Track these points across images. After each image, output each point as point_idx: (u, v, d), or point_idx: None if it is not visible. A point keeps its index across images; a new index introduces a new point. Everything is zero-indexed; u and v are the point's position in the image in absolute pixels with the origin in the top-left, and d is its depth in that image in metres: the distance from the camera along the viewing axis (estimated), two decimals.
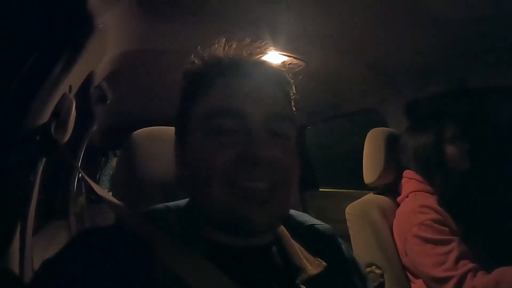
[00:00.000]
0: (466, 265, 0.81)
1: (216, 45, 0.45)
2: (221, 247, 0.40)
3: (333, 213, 1.29)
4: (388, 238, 1.02)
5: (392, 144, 1.12)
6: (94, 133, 1.45)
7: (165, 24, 0.86)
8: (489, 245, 0.92)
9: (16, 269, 0.53)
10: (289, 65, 1.14)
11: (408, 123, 1.14)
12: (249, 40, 0.45)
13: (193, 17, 0.84)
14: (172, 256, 0.36)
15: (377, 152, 1.12)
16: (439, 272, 0.83)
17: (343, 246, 0.52)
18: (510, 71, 0.97)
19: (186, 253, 0.37)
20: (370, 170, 1.13)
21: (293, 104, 0.47)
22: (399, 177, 1.10)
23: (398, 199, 1.08)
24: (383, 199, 1.12)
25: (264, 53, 0.45)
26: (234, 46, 0.44)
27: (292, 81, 0.47)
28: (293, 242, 0.46)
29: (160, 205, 0.48)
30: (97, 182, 3.24)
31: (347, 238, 1.09)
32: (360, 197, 1.15)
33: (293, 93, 0.47)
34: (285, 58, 1.09)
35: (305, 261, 0.43)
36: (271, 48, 0.48)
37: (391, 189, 1.14)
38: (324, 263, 0.44)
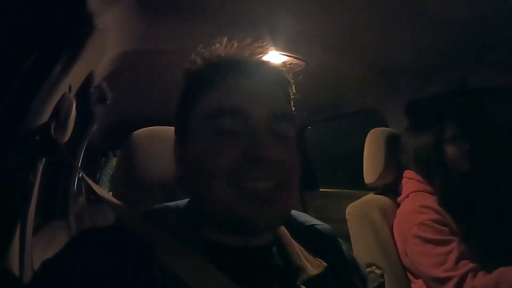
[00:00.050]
0: (466, 265, 0.81)
1: (218, 45, 0.45)
2: (221, 247, 0.40)
3: (333, 213, 1.29)
4: (388, 238, 1.01)
5: (392, 144, 1.12)
6: (94, 133, 1.45)
7: (165, 24, 0.86)
8: (489, 245, 0.92)
9: (16, 269, 0.53)
10: (290, 65, 1.14)
11: (408, 123, 1.14)
12: (250, 40, 0.45)
13: (193, 17, 0.85)
14: (172, 256, 0.36)
15: (377, 152, 1.12)
16: (439, 272, 0.83)
17: (343, 246, 0.52)
18: (510, 71, 0.97)
19: (186, 253, 0.37)
20: (370, 170, 1.13)
21: (292, 104, 0.47)
22: (399, 177, 1.10)
23: (398, 199, 1.08)
24: (383, 199, 1.12)
25: (265, 53, 0.45)
26: (235, 45, 0.44)
27: (292, 81, 0.47)
28: (293, 242, 0.46)
29: (160, 205, 0.48)
30: (97, 182, 3.24)
31: (347, 238, 1.09)
32: (360, 197, 1.15)
33: (293, 93, 0.47)
34: (285, 58, 1.09)
35: (305, 261, 0.43)
36: (271, 48, 0.48)
37: (391, 189, 1.14)
38: (324, 264, 0.44)
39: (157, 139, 0.63)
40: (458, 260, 0.82)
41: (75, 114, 0.64)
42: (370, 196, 1.17)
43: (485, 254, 0.88)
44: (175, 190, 0.56)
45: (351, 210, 1.11)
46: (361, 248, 1.06)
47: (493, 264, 0.81)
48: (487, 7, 0.75)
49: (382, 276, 0.99)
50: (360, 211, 1.08)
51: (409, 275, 0.98)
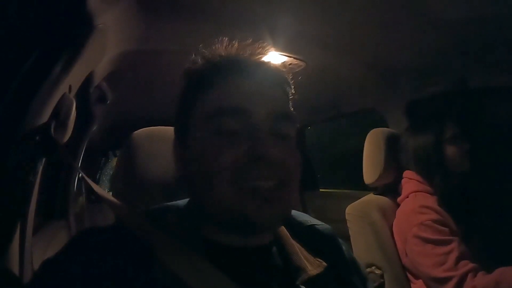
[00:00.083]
0: (466, 265, 0.81)
1: (218, 45, 0.45)
2: (221, 246, 0.40)
3: (333, 214, 1.29)
4: (388, 238, 1.01)
5: (392, 145, 1.12)
6: (94, 133, 1.45)
7: (165, 24, 0.86)
8: (489, 245, 0.92)
9: (16, 269, 0.53)
10: (289, 66, 1.14)
11: (408, 123, 1.14)
12: (250, 40, 0.45)
13: (193, 17, 0.85)
14: (172, 256, 0.36)
15: (377, 153, 1.12)
16: (439, 273, 0.83)
17: (343, 247, 0.52)
18: (510, 71, 0.97)
19: (185, 253, 0.37)
20: (370, 171, 1.13)
21: (291, 104, 0.47)
22: (399, 177, 1.10)
23: (398, 199, 1.07)
24: (383, 200, 1.12)
25: (265, 53, 0.45)
26: (236, 45, 0.44)
27: (292, 81, 0.47)
28: (293, 242, 0.46)
29: (160, 205, 0.48)
30: (97, 182, 3.24)
31: (347, 239, 1.09)
32: (360, 198, 1.15)
33: (292, 93, 0.47)
34: (285, 59, 1.09)
35: (305, 261, 0.43)
36: (271, 48, 0.48)
37: (391, 189, 1.14)
38: (324, 263, 0.44)
39: (157, 139, 0.63)
40: (458, 260, 0.82)
41: (75, 114, 0.64)
42: (370, 197, 1.16)
43: (485, 254, 0.88)
44: (175, 190, 0.56)
45: (351, 210, 1.11)
46: (361, 248, 1.06)
47: (493, 264, 0.81)
48: (487, 7, 0.75)
49: (382, 276, 0.99)
50: (360, 212, 1.08)
51: (409, 275, 0.98)
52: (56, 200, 1.37)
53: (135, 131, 0.64)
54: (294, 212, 0.52)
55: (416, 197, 1.00)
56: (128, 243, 0.37)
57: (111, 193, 0.87)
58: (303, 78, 0.56)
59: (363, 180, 1.16)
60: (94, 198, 1.92)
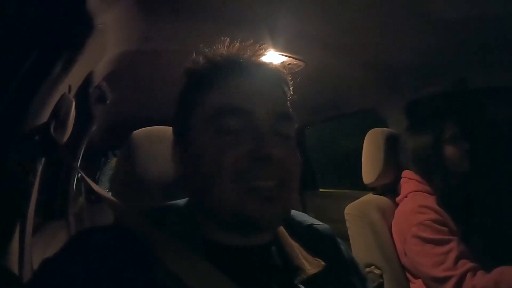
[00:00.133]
0: (466, 264, 0.81)
1: (220, 45, 0.45)
2: (221, 246, 0.41)
3: (332, 213, 1.29)
4: (387, 238, 1.02)
5: (391, 144, 1.12)
6: (94, 133, 1.44)
7: (164, 24, 0.86)
8: (488, 245, 0.93)
9: (15, 269, 0.53)
10: (289, 66, 1.14)
11: (408, 123, 1.14)
12: (252, 40, 0.45)
13: (193, 17, 0.84)
14: (171, 255, 0.36)
15: (376, 152, 1.12)
16: (439, 272, 0.83)
17: (342, 246, 0.52)
18: (510, 71, 0.97)
19: (185, 253, 0.37)
20: (369, 170, 1.13)
21: (289, 104, 0.47)
22: (398, 177, 1.10)
23: (397, 199, 1.08)
24: (382, 199, 1.12)
25: (265, 53, 0.45)
26: (237, 46, 0.45)
27: (291, 82, 0.48)
28: (292, 242, 0.46)
29: (159, 205, 0.48)
30: (96, 182, 3.24)
31: (346, 238, 1.09)
32: (359, 198, 1.15)
33: (291, 94, 0.47)
34: (284, 59, 1.09)
35: (304, 261, 0.43)
36: (270, 48, 0.48)
37: (390, 189, 1.14)
38: (322, 263, 0.44)
39: (157, 139, 0.63)
40: (457, 259, 0.82)
41: (74, 114, 0.64)
42: (369, 196, 1.17)
43: (484, 253, 0.88)
44: (174, 190, 0.56)
45: (350, 210, 1.11)
46: (360, 248, 1.06)
47: (492, 264, 0.81)
48: (487, 7, 0.75)
49: (381, 276, 0.99)
50: (359, 211, 1.08)
51: (408, 275, 0.98)
52: (55, 200, 1.37)
53: (135, 131, 0.65)
54: (293, 212, 0.52)
55: (415, 196, 1.00)
56: (128, 243, 0.37)
57: (110, 193, 0.87)
58: (303, 78, 0.56)
59: (362, 180, 1.16)
60: (93, 198, 1.92)
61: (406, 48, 1.01)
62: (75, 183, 1.48)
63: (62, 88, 0.60)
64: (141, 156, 0.61)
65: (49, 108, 0.57)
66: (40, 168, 0.59)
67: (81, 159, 1.36)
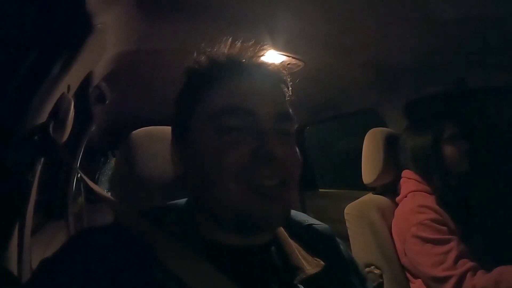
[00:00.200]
0: (466, 264, 0.81)
1: (222, 45, 0.45)
2: (220, 246, 0.41)
3: (332, 213, 1.29)
4: (387, 238, 1.02)
5: (391, 144, 1.12)
6: (93, 133, 1.44)
7: (164, 24, 0.86)
8: (488, 245, 0.93)
9: (14, 269, 0.53)
10: (288, 65, 1.14)
11: (407, 123, 1.14)
12: (253, 41, 0.45)
13: (193, 17, 0.84)
14: (171, 255, 0.36)
15: (376, 152, 1.12)
16: (439, 272, 0.83)
17: (341, 246, 0.52)
18: (510, 71, 0.97)
19: (184, 253, 0.37)
20: (369, 170, 1.13)
21: (288, 104, 0.47)
22: (398, 177, 1.10)
23: (397, 199, 1.08)
24: (382, 199, 1.12)
25: (265, 53, 0.45)
26: (238, 46, 0.44)
27: (291, 82, 0.48)
28: (291, 241, 0.46)
29: (159, 205, 0.48)
30: (96, 182, 3.24)
31: (346, 238, 1.09)
32: (359, 197, 1.15)
33: (289, 94, 0.48)
34: (284, 58, 1.09)
35: (303, 261, 0.43)
36: (270, 48, 0.48)
37: (390, 189, 1.14)
38: (322, 263, 0.44)
39: (156, 139, 0.63)
40: (457, 259, 0.82)
41: (73, 114, 0.64)
42: (369, 196, 1.17)
43: (484, 253, 0.88)
44: (174, 190, 0.56)
45: (349, 210, 1.11)
46: (360, 248, 1.06)
47: (492, 263, 0.81)
48: (487, 7, 0.75)
49: (381, 276, 0.99)
50: (358, 211, 1.08)
51: (408, 275, 0.98)
52: (55, 200, 1.37)
53: (134, 131, 0.64)
54: (292, 212, 0.52)
55: (414, 196, 1.00)
56: (127, 242, 0.37)
57: (110, 193, 0.87)
58: (302, 78, 0.56)
59: (362, 180, 1.16)
60: (93, 198, 1.91)
61: (406, 48, 1.01)
62: (74, 183, 1.47)
63: (61, 88, 0.59)
64: (140, 156, 0.61)
65: (48, 108, 0.56)
66: (39, 168, 0.59)
67: (81, 159, 1.36)
